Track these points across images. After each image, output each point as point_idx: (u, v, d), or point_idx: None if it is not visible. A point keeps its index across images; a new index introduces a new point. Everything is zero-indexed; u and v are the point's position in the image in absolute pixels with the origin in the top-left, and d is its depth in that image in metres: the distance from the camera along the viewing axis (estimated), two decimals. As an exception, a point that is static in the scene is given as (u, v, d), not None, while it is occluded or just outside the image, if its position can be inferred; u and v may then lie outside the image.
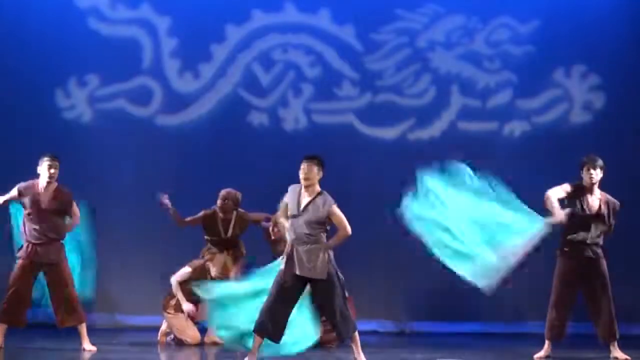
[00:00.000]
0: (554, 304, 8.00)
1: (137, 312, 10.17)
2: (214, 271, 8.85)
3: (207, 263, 8.95)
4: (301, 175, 7.13)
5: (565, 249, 7.98)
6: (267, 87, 10.83)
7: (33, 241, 7.97)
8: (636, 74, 10.61)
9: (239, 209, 9.23)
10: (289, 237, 7.15)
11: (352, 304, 8.22)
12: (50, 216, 8.05)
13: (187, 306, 8.72)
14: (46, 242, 7.99)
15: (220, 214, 9.19)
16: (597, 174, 7.90)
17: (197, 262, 8.96)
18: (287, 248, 7.13)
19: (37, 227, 7.98)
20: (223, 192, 9.19)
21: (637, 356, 7.94)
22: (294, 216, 7.10)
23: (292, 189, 7.19)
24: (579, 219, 7.91)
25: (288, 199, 7.18)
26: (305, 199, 7.10)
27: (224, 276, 8.88)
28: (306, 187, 7.12)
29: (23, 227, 8.05)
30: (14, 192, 8.10)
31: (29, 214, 8.01)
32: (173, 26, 10.77)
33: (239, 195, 9.21)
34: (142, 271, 10.10)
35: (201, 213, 9.20)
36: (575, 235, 7.94)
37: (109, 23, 10.74)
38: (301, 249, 7.03)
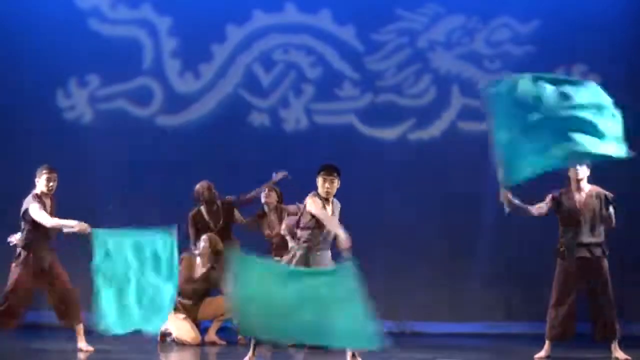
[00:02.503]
0: (553, 304, 7.98)
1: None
2: (201, 264, 8.86)
3: (195, 257, 8.93)
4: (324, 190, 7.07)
5: (561, 249, 7.96)
6: (268, 87, 10.84)
7: (34, 247, 7.95)
8: (636, 74, 10.61)
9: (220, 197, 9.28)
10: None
11: None
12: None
13: None
14: (48, 248, 7.98)
15: (205, 207, 9.22)
16: (582, 170, 7.88)
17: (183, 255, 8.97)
18: None
19: (42, 234, 7.92)
20: (204, 185, 9.19)
21: (638, 356, 7.92)
22: None
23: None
24: (570, 218, 7.88)
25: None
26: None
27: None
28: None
29: (28, 235, 7.92)
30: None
31: (34, 223, 7.92)
32: (173, 26, 10.78)
33: (207, 183, 9.23)
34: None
35: (189, 219, 9.24)
36: (568, 234, 7.94)
37: (109, 23, 10.75)
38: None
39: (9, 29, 10.54)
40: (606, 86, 10.73)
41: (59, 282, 7.98)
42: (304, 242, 7.13)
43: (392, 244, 10.23)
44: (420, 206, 10.45)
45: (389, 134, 10.78)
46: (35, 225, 7.89)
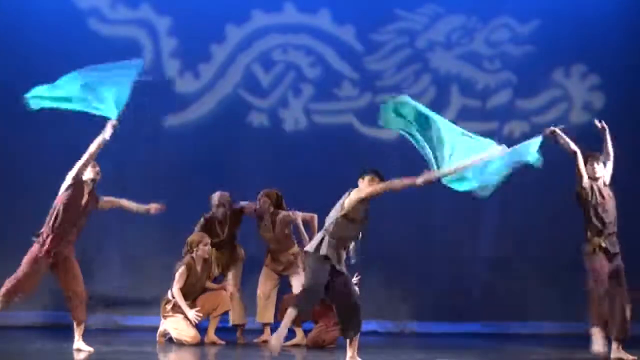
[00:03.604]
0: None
1: (136, 312, 10.16)
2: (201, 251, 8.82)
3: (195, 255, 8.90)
4: None
5: (603, 245, 7.73)
6: (267, 87, 10.84)
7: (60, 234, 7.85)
8: (636, 74, 10.62)
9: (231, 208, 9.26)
10: None
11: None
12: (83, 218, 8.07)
13: (191, 314, 8.69)
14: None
15: (219, 217, 9.19)
16: (599, 168, 7.85)
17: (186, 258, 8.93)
18: None
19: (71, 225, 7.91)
20: (216, 199, 9.15)
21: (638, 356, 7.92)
22: None
23: None
24: (608, 213, 7.77)
25: None
26: None
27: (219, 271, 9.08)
28: None
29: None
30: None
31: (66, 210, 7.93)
32: (173, 26, 10.77)
33: (228, 196, 9.20)
34: (141, 272, 10.10)
35: (202, 220, 9.19)
36: (603, 229, 7.75)
37: (109, 23, 10.73)
38: None
39: (8, 29, 10.51)
40: (606, 86, 10.86)
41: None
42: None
43: (392, 244, 10.22)
44: (420, 206, 10.45)
45: (388, 134, 10.75)
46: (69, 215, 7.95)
